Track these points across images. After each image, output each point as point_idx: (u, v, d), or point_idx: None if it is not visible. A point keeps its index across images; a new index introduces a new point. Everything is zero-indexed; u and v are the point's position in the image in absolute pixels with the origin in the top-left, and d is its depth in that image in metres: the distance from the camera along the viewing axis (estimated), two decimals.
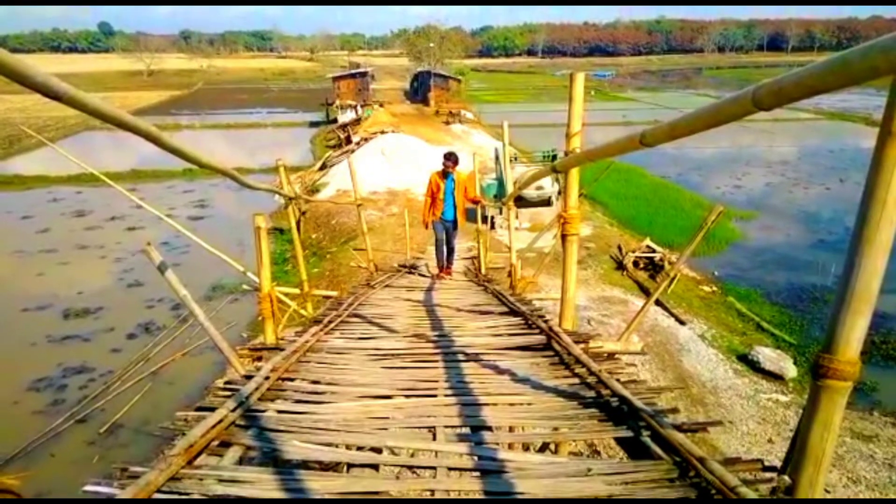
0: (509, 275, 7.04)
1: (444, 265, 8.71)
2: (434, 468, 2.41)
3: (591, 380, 3.20)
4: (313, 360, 3.75)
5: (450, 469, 2.41)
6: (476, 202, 8.53)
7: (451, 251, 8.78)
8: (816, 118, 45.50)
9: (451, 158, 8.06)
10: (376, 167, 24.68)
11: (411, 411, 2.96)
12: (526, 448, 2.90)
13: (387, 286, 7.59)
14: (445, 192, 8.15)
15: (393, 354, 3.95)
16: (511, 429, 2.88)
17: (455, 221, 8.48)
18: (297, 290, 6.20)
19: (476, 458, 2.48)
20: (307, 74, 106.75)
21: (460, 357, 3.81)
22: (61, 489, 7.14)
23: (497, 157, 18.65)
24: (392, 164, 25.15)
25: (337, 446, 2.62)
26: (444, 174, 8.09)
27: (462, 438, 2.67)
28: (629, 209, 20.87)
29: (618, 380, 3.09)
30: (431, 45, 74.29)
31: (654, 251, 14.99)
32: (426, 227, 8.60)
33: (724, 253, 16.91)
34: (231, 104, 63.61)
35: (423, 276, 9.08)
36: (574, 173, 3.84)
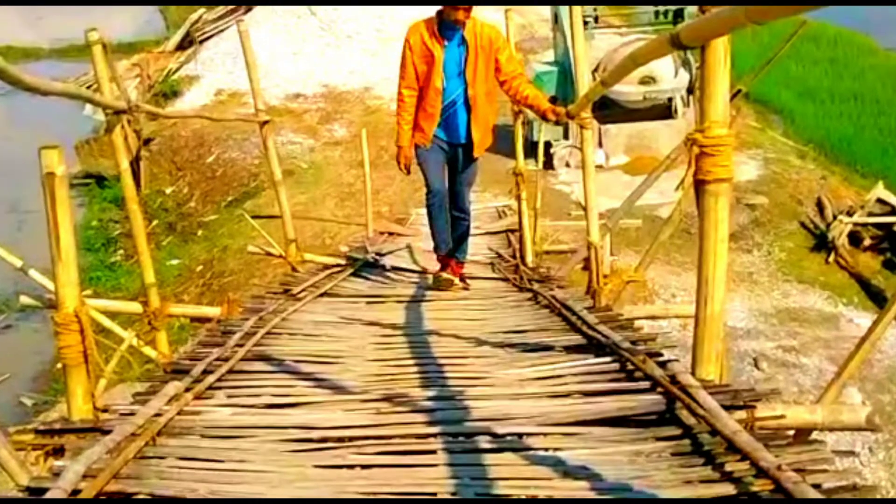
0: (586, 266, 4.67)
1: (449, 253, 5.16)
2: None
3: (761, 487, 2.10)
4: (172, 455, 2.51)
5: None
6: (528, 103, 4.63)
7: (462, 227, 5.13)
8: None
9: None
10: (301, 43, 15.86)
11: None
12: None
13: (326, 295, 5.27)
14: (446, 71, 4.53)
15: (340, 441, 2.60)
16: None
17: (471, 146, 4.71)
18: (136, 307, 4.58)
19: None
20: None
21: (484, 445, 2.49)
22: None
23: (557, 20, 11.37)
24: (335, 35, 16.19)
25: None
26: (444, 27, 4.56)
27: None
28: (839, 122, 12.69)
29: (817, 486, 2.04)
30: None
31: (894, 210, 9.20)
32: (405, 166, 4.91)
33: None
34: None
35: (405, 270, 6.09)
36: (720, 49, 2.34)
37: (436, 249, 5.01)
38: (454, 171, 4.80)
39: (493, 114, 4.75)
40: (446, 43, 4.45)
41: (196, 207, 11.28)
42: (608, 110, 10.46)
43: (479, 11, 4.73)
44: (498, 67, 4.48)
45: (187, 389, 2.89)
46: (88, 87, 11.69)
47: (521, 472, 2.27)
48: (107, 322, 4.20)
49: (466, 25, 4.43)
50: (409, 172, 4.92)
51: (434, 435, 2.52)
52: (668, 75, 10.70)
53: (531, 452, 2.39)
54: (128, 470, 2.34)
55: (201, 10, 18.68)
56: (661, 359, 2.84)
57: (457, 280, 4.93)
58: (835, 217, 9.22)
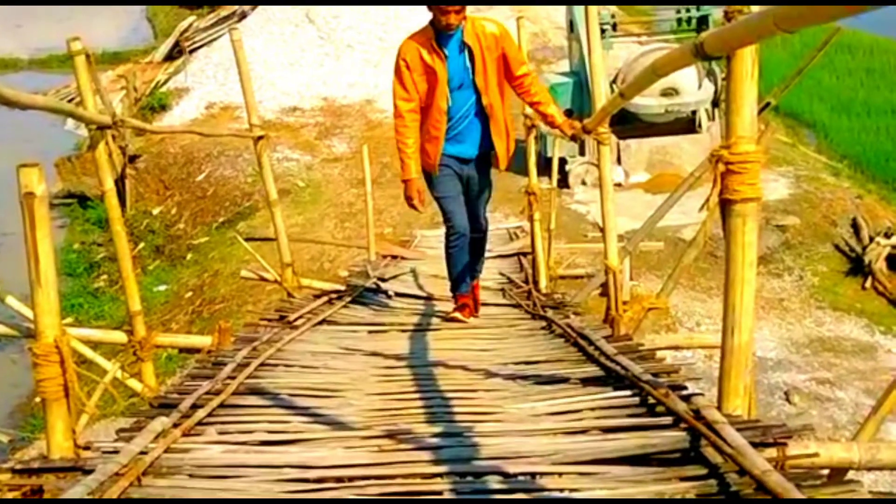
0: (603, 292, 4.46)
1: (464, 287, 4.72)
2: None
3: None
4: (159, 497, 2.41)
5: None
6: (542, 111, 4.28)
7: (478, 244, 4.66)
8: None
9: None
10: (298, 53, 15.24)
11: None
12: None
13: (325, 323, 5.09)
14: (451, 85, 4.08)
15: (339, 480, 2.43)
16: None
17: (488, 158, 4.32)
18: (120, 336, 4.28)
19: None
20: None
21: (494, 485, 2.34)
22: None
23: (573, 27, 10.72)
24: (335, 45, 15.51)
25: None
26: (442, 37, 4.05)
27: None
28: (876, 137, 11.97)
29: None
30: None
31: None
32: (420, 201, 4.38)
33: None
34: None
35: (409, 296, 5.80)
36: (747, 59, 2.21)
37: (453, 289, 4.61)
38: (469, 190, 4.33)
39: (510, 117, 4.30)
40: (447, 53, 3.98)
41: (185, 229, 10.84)
42: (627, 124, 9.97)
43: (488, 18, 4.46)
44: (507, 65, 4.00)
45: (175, 425, 2.73)
46: (70, 101, 10.61)
47: None
48: (89, 353, 4.02)
49: (465, 29, 3.92)
50: (414, 200, 4.25)
51: (440, 475, 2.36)
52: (691, 87, 10.09)
53: (545, 493, 2.24)
54: None
55: (191, 17, 17.69)
56: (684, 392, 2.68)
57: (470, 320, 4.53)
58: (871, 239, 8.71)
